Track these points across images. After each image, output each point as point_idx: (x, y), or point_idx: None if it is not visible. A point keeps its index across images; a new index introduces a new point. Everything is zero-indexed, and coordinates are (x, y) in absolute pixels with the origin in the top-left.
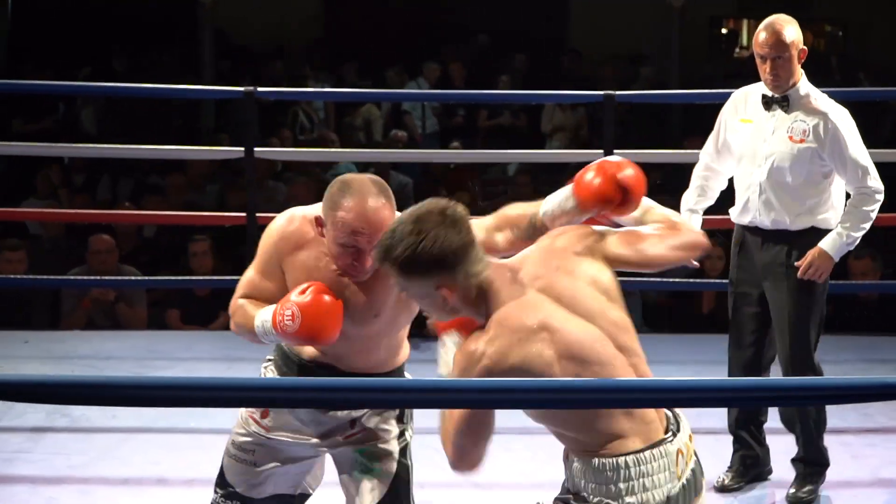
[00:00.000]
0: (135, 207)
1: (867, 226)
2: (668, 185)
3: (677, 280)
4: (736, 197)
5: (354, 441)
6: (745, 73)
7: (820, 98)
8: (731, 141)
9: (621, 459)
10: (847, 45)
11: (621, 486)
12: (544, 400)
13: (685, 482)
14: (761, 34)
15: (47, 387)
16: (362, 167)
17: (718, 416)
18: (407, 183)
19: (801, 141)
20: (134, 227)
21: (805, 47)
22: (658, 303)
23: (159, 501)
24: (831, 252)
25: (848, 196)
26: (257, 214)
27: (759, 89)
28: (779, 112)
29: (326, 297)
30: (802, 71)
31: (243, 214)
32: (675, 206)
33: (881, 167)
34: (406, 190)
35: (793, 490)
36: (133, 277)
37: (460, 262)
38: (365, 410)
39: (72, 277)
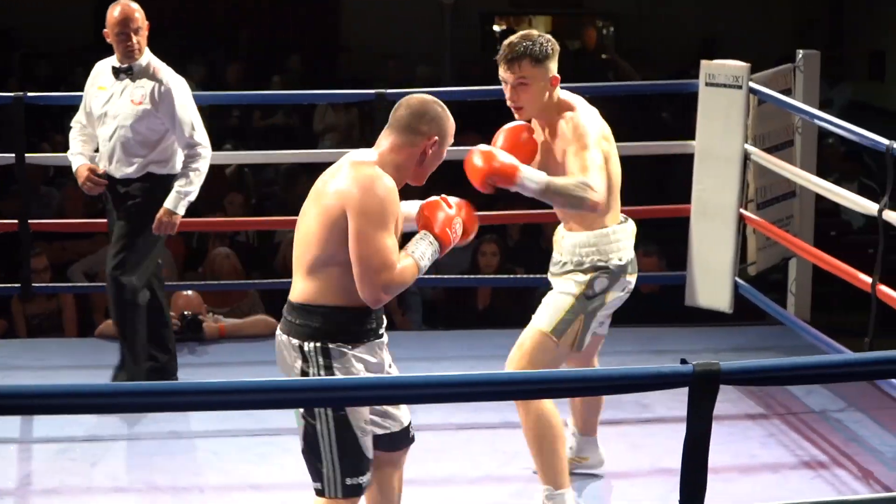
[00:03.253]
0: None
1: (201, 180)
2: (445, 180)
3: (453, 277)
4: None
5: None
6: None
7: (160, 68)
8: (92, 106)
9: (612, 228)
10: (618, 40)
11: (612, 246)
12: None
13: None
14: (117, 14)
15: None
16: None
17: (494, 411)
18: None
19: (140, 103)
20: None
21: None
22: (434, 300)
23: None
24: (173, 208)
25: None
26: (30, 221)
27: (110, 62)
28: (126, 80)
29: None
30: (146, 45)
31: (15, 221)
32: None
33: (652, 159)
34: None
35: None
36: None
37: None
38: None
39: None
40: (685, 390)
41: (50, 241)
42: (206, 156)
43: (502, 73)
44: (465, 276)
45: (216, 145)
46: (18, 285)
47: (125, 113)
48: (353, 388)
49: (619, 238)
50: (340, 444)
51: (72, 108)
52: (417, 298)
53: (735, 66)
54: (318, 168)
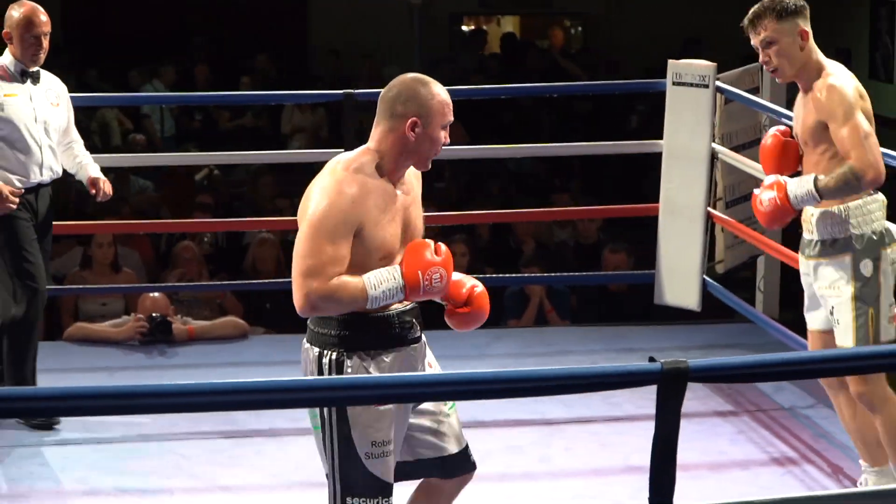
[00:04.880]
0: None
1: None
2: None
3: None
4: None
5: None
6: (489, 70)
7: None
8: (8, 113)
9: (862, 200)
10: (586, 40)
11: (863, 219)
12: None
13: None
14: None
15: None
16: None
17: (463, 410)
18: (147, 187)
19: (58, 105)
20: None
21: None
22: None
23: None
24: (101, 174)
25: None
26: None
27: (10, 67)
28: (30, 83)
29: (444, 248)
30: None
31: None
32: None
33: (627, 158)
34: (147, 194)
35: None
36: None
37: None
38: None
39: None
40: (654, 388)
41: None
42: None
43: (752, 40)
44: None
45: (184, 147)
46: None
47: (49, 113)
48: (335, 388)
49: (871, 210)
50: (342, 463)
51: None
52: None
53: (702, 66)
54: (285, 169)
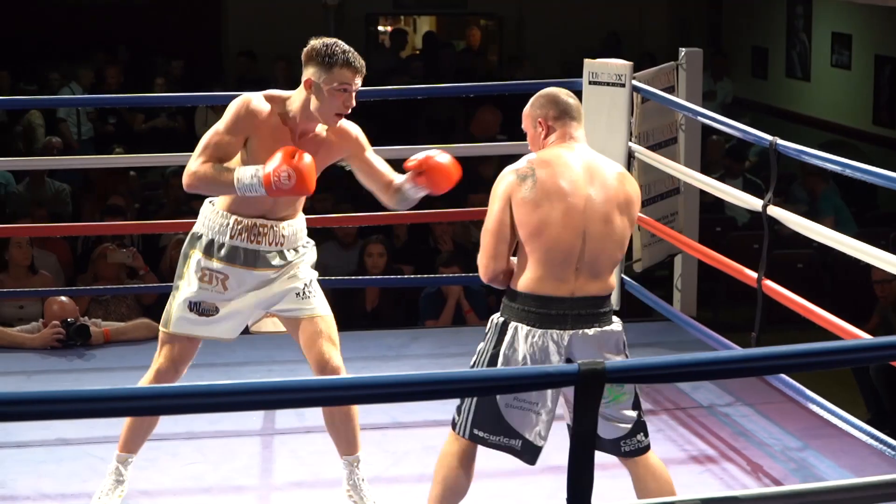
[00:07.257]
0: None
1: None
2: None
3: (340, 278)
4: None
5: None
6: (407, 70)
7: None
8: None
9: None
10: (504, 40)
11: None
12: None
13: None
14: None
15: None
16: (19, 175)
17: (383, 411)
18: (64, 189)
19: None
20: None
21: None
22: None
23: None
24: None
25: None
26: None
27: None
28: None
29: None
30: None
31: None
32: None
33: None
34: (63, 195)
35: None
36: None
37: None
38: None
39: None
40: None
41: None
42: None
43: (351, 79)
44: (353, 277)
45: (106, 150)
46: None
47: None
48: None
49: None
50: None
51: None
52: None
53: (618, 65)
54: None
